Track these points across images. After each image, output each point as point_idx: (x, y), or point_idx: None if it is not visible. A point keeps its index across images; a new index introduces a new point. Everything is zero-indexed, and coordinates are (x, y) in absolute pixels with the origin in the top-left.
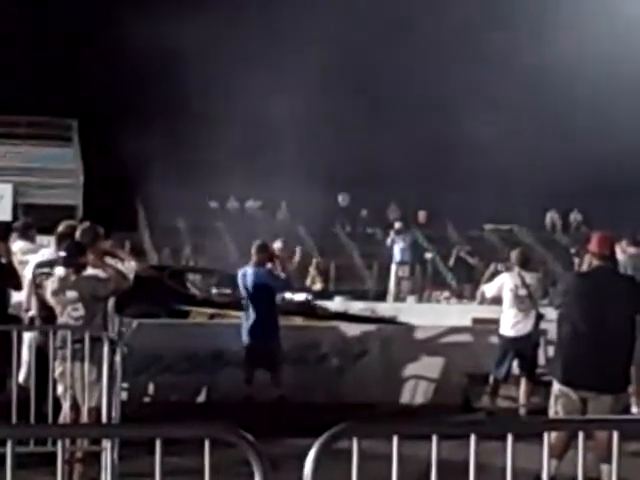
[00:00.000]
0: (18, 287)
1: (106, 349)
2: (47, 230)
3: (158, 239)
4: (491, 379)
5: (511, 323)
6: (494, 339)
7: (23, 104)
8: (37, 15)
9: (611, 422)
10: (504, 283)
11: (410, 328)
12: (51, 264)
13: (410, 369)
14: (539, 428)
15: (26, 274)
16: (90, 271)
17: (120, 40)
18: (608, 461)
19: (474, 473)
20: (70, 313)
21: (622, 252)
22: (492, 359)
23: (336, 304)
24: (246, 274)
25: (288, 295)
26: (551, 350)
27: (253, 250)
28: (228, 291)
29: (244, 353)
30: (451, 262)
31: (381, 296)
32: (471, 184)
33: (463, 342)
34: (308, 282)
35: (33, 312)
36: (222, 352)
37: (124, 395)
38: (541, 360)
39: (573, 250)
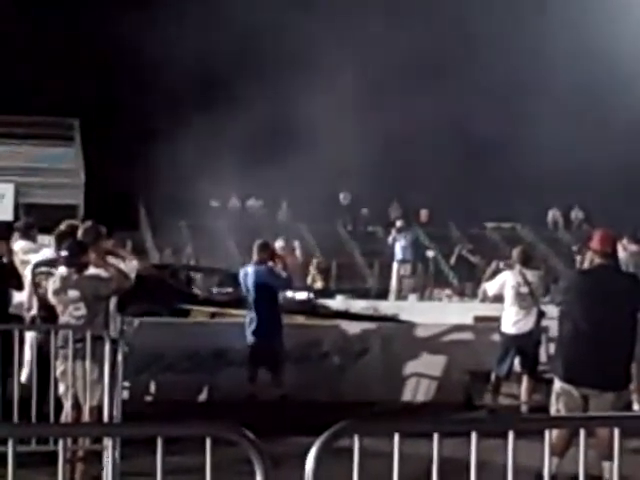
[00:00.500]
0: (19, 287)
1: (107, 348)
2: (48, 230)
3: (160, 238)
4: (493, 377)
5: (513, 321)
6: (496, 337)
7: (24, 104)
8: (38, 15)
9: (612, 419)
10: (506, 281)
11: (411, 326)
12: (50, 263)
13: (411, 367)
14: (540, 426)
15: (27, 274)
16: (92, 270)
17: (121, 39)
18: (609, 458)
19: (475, 471)
20: (72, 312)
21: (623, 250)
22: (494, 357)
23: (338, 302)
24: (247, 273)
25: (290, 294)
26: (552, 348)
27: (254, 249)
28: (229, 290)
29: (246, 352)
30: (453, 260)
31: (383, 294)
32: (473, 182)
33: (465, 340)
34: (309, 281)
35: (34, 311)
36: (224, 351)
37: (125, 394)
38: (542, 358)
39: (575, 248)
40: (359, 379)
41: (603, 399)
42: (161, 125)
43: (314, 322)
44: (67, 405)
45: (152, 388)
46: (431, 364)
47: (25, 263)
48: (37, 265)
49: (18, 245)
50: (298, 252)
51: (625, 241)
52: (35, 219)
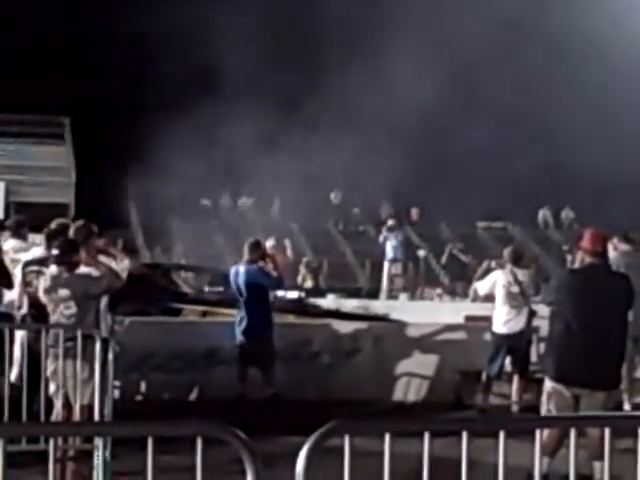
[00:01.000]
0: (9, 285)
1: (98, 347)
2: (39, 228)
3: (150, 237)
4: (484, 376)
5: (503, 320)
6: (487, 336)
7: (15, 102)
8: (29, 13)
9: (603, 419)
10: (496, 280)
11: (402, 325)
12: (41, 262)
13: (402, 367)
14: (531, 425)
15: (17, 273)
16: (83, 269)
17: (113, 37)
18: (600, 458)
19: (466, 471)
20: (62, 311)
21: (614, 249)
22: (485, 356)
23: (329, 302)
24: (238, 272)
25: (281, 293)
26: (543, 347)
27: (245, 248)
28: (220, 289)
29: (237, 351)
30: (444, 260)
31: (374, 294)
32: (464, 182)
33: (456, 339)
34: (299, 280)
35: (25, 310)
36: (214, 350)
37: (116, 393)
38: (533, 357)
39: (565, 247)
40: (350, 378)
41: (594, 399)
42: (152, 123)
43: (305, 321)
44: (58, 404)
45: (143, 387)
46: (422, 364)
47: (15, 262)
48: (27, 264)
49: (9, 244)
50: (289, 251)
51: (616, 240)
52: (26, 217)
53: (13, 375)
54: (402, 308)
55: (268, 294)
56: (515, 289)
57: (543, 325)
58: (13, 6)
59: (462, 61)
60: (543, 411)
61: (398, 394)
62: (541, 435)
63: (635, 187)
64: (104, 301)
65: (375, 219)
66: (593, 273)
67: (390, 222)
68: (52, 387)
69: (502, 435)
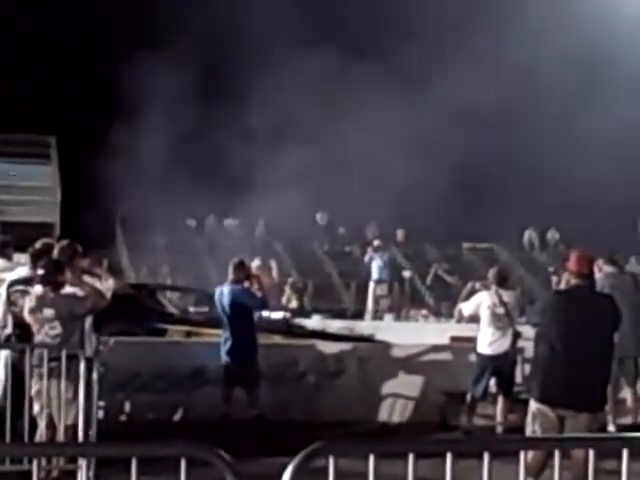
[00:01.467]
0: None
1: (82, 367)
2: (25, 248)
3: (136, 257)
4: (468, 397)
5: (488, 341)
6: (472, 357)
7: (0, 121)
8: (14, 31)
9: (587, 440)
10: (482, 301)
11: (387, 346)
12: (26, 282)
13: (387, 387)
14: (516, 446)
15: (2, 292)
16: (68, 289)
17: (98, 55)
18: None
19: None
20: (47, 331)
21: (599, 271)
22: (470, 377)
23: (314, 322)
24: (223, 292)
25: (266, 313)
26: (528, 368)
27: (230, 268)
28: (206, 309)
29: (222, 371)
30: (429, 280)
31: (359, 314)
32: (449, 202)
33: (441, 360)
34: (284, 300)
35: (9, 330)
36: (199, 370)
37: (100, 413)
38: (518, 378)
39: (551, 268)
40: (335, 399)
41: (579, 420)
42: (137, 143)
43: (290, 342)
44: (42, 424)
45: (127, 407)
46: (407, 384)
47: (0, 281)
48: (12, 284)
49: None
50: (275, 272)
51: (600, 262)
52: (11, 237)
53: None
54: (387, 329)
55: (253, 314)
56: (500, 310)
57: (528, 346)
58: (5, 25)
59: (445, 82)
60: (528, 432)
61: (383, 415)
62: (525, 456)
63: (620, 209)
64: (89, 321)
65: (361, 240)
66: (579, 295)
67: (376, 243)
68: (36, 407)
69: (487, 456)
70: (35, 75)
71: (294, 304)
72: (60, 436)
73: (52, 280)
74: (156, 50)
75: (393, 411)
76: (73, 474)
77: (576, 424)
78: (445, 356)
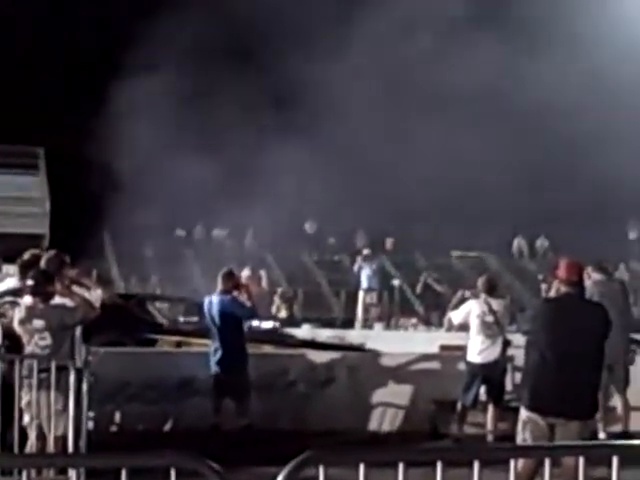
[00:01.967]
0: None
1: (72, 378)
2: (13, 259)
3: (125, 267)
4: (459, 406)
5: (478, 350)
6: (461, 366)
7: None
8: (1, 44)
9: (578, 448)
10: (471, 310)
11: (377, 355)
12: (15, 293)
13: (377, 396)
14: (506, 455)
15: None
16: (57, 300)
17: (86, 66)
18: None
19: None
20: (37, 342)
21: (588, 278)
22: (459, 386)
23: (304, 331)
24: (212, 302)
25: (255, 323)
26: (518, 376)
27: (219, 278)
28: (195, 319)
29: (211, 381)
30: (418, 289)
31: (349, 323)
32: (438, 211)
33: (430, 369)
34: (273, 310)
35: None
36: (189, 381)
37: (90, 424)
38: (508, 386)
39: (540, 276)
40: (325, 408)
41: (569, 428)
42: (126, 153)
43: (280, 351)
44: (32, 435)
45: (117, 418)
46: (397, 393)
47: None
48: (1, 295)
49: None
50: (264, 281)
51: (589, 270)
52: None
53: None
54: (377, 338)
55: (242, 324)
56: (489, 318)
57: (518, 354)
58: None
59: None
60: (518, 440)
61: (373, 424)
62: (516, 464)
63: (609, 217)
64: (78, 332)
65: (350, 249)
66: (568, 302)
67: (365, 251)
68: (26, 418)
69: (477, 465)
70: (22, 86)
71: (284, 313)
72: (50, 447)
73: (42, 291)
74: (142, 66)
75: (383, 420)
76: None
77: (567, 432)
78: (435, 365)
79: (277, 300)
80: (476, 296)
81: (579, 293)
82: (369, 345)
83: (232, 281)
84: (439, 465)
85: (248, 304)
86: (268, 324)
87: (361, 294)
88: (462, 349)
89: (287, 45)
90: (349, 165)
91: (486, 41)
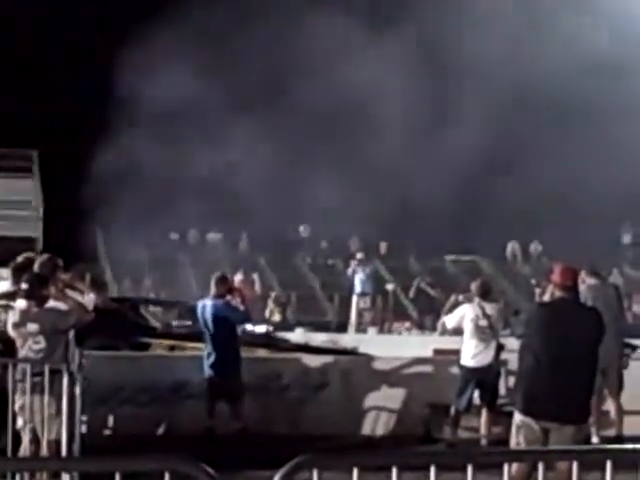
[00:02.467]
0: None
1: (66, 382)
2: (6, 262)
3: (119, 271)
4: (452, 410)
5: (472, 354)
6: (455, 370)
7: None
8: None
9: (572, 453)
10: (465, 314)
11: (371, 359)
12: (9, 296)
13: (371, 400)
14: (500, 459)
15: None
16: (52, 303)
17: (83, 70)
18: None
19: None
20: (31, 346)
21: (581, 283)
22: (453, 390)
23: (297, 335)
24: (205, 306)
25: (249, 327)
26: (512, 380)
27: (212, 282)
28: (189, 323)
29: (205, 385)
30: (412, 293)
31: (342, 327)
32: (432, 215)
33: (424, 373)
34: (267, 314)
35: None
36: (182, 384)
37: (84, 428)
38: (502, 390)
39: (534, 281)
40: (319, 412)
41: (563, 432)
42: (120, 157)
43: (273, 355)
44: (25, 439)
45: (111, 422)
46: (391, 397)
47: None
48: None
49: None
50: (257, 285)
51: (583, 274)
52: None
53: None
54: (371, 342)
55: (236, 328)
56: (483, 323)
57: (512, 358)
58: None
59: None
60: (512, 444)
61: (367, 428)
62: (510, 469)
63: (602, 221)
64: (71, 336)
65: (344, 253)
66: (563, 307)
67: (359, 255)
68: (20, 422)
69: (470, 469)
70: (17, 88)
71: (277, 317)
72: (44, 451)
73: (36, 294)
74: (139, 67)
75: (377, 424)
76: None
77: (560, 436)
78: (428, 369)
79: (271, 304)
80: (470, 300)
81: (573, 298)
82: (363, 349)
83: (225, 285)
84: (433, 469)
85: (241, 308)
86: (261, 328)
87: (355, 298)
88: (456, 353)
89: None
90: (344, 169)
91: None
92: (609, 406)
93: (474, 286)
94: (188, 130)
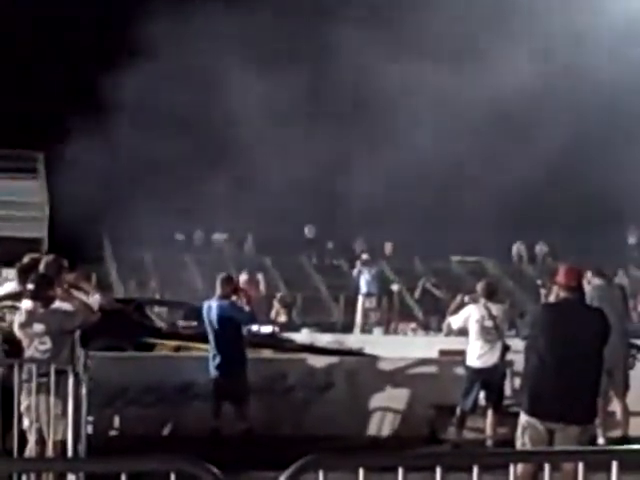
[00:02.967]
0: None
1: (71, 382)
2: (12, 263)
3: (124, 272)
4: (458, 411)
5: (477, 354)
6: (460, 370)
7: None
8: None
9: (577, 453)
10: (470, 315)
11: (376, 360)
12: (15, 297)
13: (376, 401)
14: (505, 460)
15: None
16: (58, 304)
17: (85, 71)
18: None
19: None
20: (37, 346)
21: (587, 283)
22: (459, 391)
23: (303, 336)
24: (210, 307)
25: (255, 327)
26: (518, 381)
27: (218, 283)
28: (194, 324)
29: (211, 386)
30: (417, 294)
31: (348, 328)
32: (438, 216)
33: (430, 374)
34: (272, 315)
35: None
36: (188, 385)
37: (90, 428)
38: (508, 391)
39: (539, 282)
40: (324, 413)
41: (568, 433)
42: (126, 158)
43: (279, 356)
44: (31, 440)
45: (116, 422)
46: (396, 398)
47: None
48: (1, 299)
49: None
50: (262, 286)
51: (589, 275)
52: None
53: None
54: (376, 342)
55: (241, 329)
56: (489, 323)
57: (517, 359)
58: None
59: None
60: (517, 445)
61: (372, 428)
62: (515, 469)
63: (608, 222)
64: (76, 336)
65: (349, 253)
66: (568, 308)
67: (364, 256)
68: (26, 422)
69: (476, 469)
70: (22, 89)
71: (283, 318)
72: (49, 451)
73: (42, 295)
74: (142, 68)
75: (382, 425)
76: None
77: (566, 437)
78: (434, 369)
79: (276, 305)
80: (475, 301)
81: (578, 298)
82: (368, 350)
83: (231, 286)
84: (438, 470)
85: (247, 309)
86: (267, 329)
87: (360, 299)
88: (461, 354)
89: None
90: (349, 170)
91: None
92: (615, 407)
93: (479, 287)
94: (196, 132)
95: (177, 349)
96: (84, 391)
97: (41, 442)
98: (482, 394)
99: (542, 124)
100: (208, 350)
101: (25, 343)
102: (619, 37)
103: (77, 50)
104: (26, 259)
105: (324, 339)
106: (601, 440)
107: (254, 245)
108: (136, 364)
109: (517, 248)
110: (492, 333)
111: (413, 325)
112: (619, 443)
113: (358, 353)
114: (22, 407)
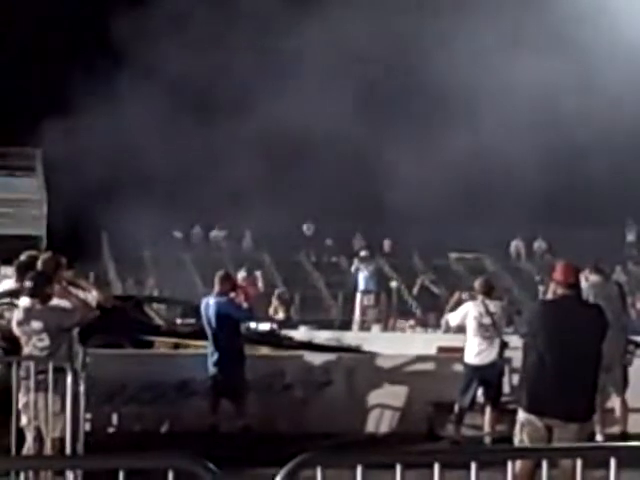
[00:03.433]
0: None
1: (70, 380)
2: (10, 260)
3: (123, 269)
4: (456, 407)
5: (475, 351)
6: (459, 367)
7: None
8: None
9: (575, 450)
10: (468, 311)
11: (375, 357)
12: (13, 294)
13: (375, 398)
14: (504, 456)
15: None
16: (56, 301)
17: (84, 70)
18: None
19: None
20: (35, 344)
21: (585, 280)
22: (457, 387)
23: (301, 333)
24: (208, 304)
25: (253, 325)
26: (516, 378)
27: (216, 280)
28: (193, 321)
29: (209, 383)
30: (416, 291)
31: (346, 325)
32: (435, 213)
33: (428, 371)
34: (271, 312)
35: None
36: (186, 382)
37: (88, 426)
38: (506, 388)
39: (538, 278)
40: (322, 410)
41: (567, 430)
42: (125, 156)
43: (277, 353)
44: (29, 437)
45: (114, 420)
46: (394, 395)
47: None
48: None
49: None
50: (260, 283)
51: (587, 272)
52: None
53: None
54: (374, 339)
55: (239, 326)
56: (487, 320)
57: (515, 356)
58: None
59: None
60: (516, 442)
61: (370, 425)
62: (513, 466)
63: (607, 219)
64: (74, 333)
65: (348, 250)
66: (565, 304)
67: (362, 253)
68: (24, 420)
69: (474, 466)
70: (21, 88)
71: (281, 315)
72: (47, 449)
73: (40, 292)
74: (137, 67)
75: (380, 422)
76: None
77: (564, 434)
78: (432, 366)
79: (274, 302)
80: (473, 298)
81: (576, 295)
82: (366, 347)
83: (229, 283)
84: (436, 467)
85: (245, 306)
86: (265, 326)
87: (358, 296)
88: (459, 351)
89: None
90: (347, 168)
91: None
92: (613, 403)
93: (477, 284)
94: (195, 129)
95: (175, 346)
96: (82, 388)
97: (39, 439)
98: (480, 391)
99: (544, 123)
100: (206, 347)
101: (23, 340)
102: None
103: (77, 48)
104: (24, 256)
105: (322, 336)
106: (599, 437)
107: (252, 242)
108: (134, 361)
109: (515, 245)
110: (490, 330)
111: (411, 322)
112: (618, 440)
113: (356, 350)
114: (20, 404)
